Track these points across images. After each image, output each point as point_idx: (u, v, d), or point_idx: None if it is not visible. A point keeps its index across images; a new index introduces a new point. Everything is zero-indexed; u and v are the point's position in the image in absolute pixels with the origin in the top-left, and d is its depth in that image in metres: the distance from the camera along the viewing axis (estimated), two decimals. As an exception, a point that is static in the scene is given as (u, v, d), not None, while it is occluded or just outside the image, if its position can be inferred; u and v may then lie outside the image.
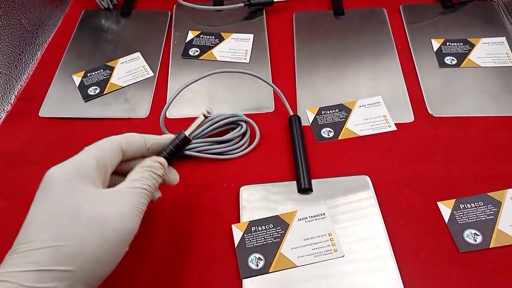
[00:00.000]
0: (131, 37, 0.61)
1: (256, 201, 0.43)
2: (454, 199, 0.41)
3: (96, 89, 0.55)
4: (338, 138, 0.48)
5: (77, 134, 0.51)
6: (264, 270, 0.38)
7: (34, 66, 0.59)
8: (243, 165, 0.47)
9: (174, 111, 0.52)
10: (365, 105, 0.51)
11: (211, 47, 0.59)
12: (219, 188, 0.44)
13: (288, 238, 0.40)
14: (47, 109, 0.53)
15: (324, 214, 0.41)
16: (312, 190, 0.43)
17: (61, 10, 0.67)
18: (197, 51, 0.58)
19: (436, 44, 0.57)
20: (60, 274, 0.27)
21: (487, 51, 0.55)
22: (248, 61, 0.57)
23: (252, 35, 0.60)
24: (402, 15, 0.61)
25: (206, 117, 0.41)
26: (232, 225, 0.41)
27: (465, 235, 0.39)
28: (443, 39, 0.57)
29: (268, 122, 0.50)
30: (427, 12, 0.61)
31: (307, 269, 0.38)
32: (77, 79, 0.56)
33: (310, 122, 0.50)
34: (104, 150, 0.34)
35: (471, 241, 0.39)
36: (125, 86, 0.55)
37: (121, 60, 0.58)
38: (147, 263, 0.39)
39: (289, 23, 0.62)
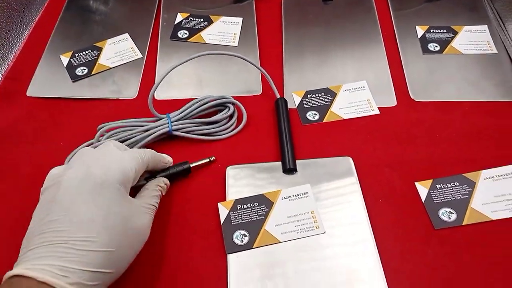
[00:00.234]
0: (119, 18, 0.61)
1: (242, 181, 0.44)
2: (432, 180, 0.43)
3: (84, 69, 0.55)
4: (323, 121, 0.50)
5: (64, 114, 0.51)
6: (248, 246, 0.39)
7: (21, 45, 0.59)
8: (230, 146, 0.48)
9: (162, 93, 0.53)
10: (350, 89, 0.52)
11: (200, 30, 0.59)
12: (206, 168, 0.45)
13: (272, 215, 0.41)
14: (35, 89, 0.53)
15: (307, 193, 0.43)
16: (296, 170, 0.44)
17: (48, -11, 0.66)
18: (186, 33, 0.59)
19: (420, 31, 0.58)
20: (104, 276, 0.31)
21: (469, 38, 0.57)
22: (236, 44, 0.58)
23: (241, 18, 0.60)
24: (388, 2, 0.62)
25: (211, 161, 0.46)
26: (219, 203, 0.42)
27: (440, 213, 0.41)
28: (428, 26, 0.58)
29: (255, 105, 0.51)
30: (413, -1, 0.62)
31: (290, 245, 0.40)
32: (65, 59, 0.56)
33: (296, 105, 0.51)
34: (141, 165, 0.38)
35: (445, 218, 0.41)
36: (113, 67, 0.55)
37: (109, 41, 0.58)
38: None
39: (278, 8, 0.63)
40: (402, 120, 0.49)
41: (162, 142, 0.47)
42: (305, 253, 0.39)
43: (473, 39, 0.56)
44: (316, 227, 0.40)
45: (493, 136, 0.47)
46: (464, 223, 0.40)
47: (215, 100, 0.48)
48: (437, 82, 0.53)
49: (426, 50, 0.56)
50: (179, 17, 0.60)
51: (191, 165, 0.44)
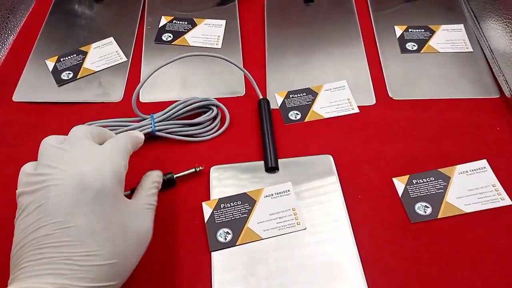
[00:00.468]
0: (104, 22, 0.62)
1: (226, 180, 0.45)
2: (408, 175, 0.45)
3: (70, 73, 0.55)
4: (305, 120, 0.51)
5: (51, 118, 0.52)
6: (231, 243, 0.41)
7: (6, 51, 0.59)
8: (213, 147, 0.49)
9: (147, 96, 0.54)
10: (330, 89, 0.54)
11: (184, 33, 0.60)
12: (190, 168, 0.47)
13: (255, 213, 0.42)
14: (21, 94, 0.54)
15: (288, 190, 0.44)
16: (278, 169, 0.46)
17: (33, -6, 0.67)
18: (170, 36, 0.60)
19: (399, 30, 0.59)
20: (109, 286, 0.30)
21: (446, 37, 0.58)
22: (220, 47, 0.59)
23: (224, 21, 0.61)
24: (368, 2, 0.64)
25: (196, 171, 0.45)
26: (203, 203, 0.43)
27: (416, 207, 0.42)
28: (406, 26, 0.60)
29: (238, 106, 0.52)
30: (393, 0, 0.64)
31: (272, 241, 0.41)
32: (50, 64, 0.57)
33: (279, 105, 0.53)
34: (127, 157, 0.36)
35: (421, 212, 0.42)
36: (98, 71, 0.56)
37: (94, 45, 0.59)
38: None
39: (260, 10, 0.64)
40: (381, 118, 0.50)
41: (145, 143, 0.47)
42: (287, 249, 0.40)
43: (449, 38, 0.58)
44: (297, 224, 0.42)
45: (468, 132, 0.49)
46: (439, 217, 0.42)
47: (199, 102, 0.49)
48: (415, 80, 0.54)
49: (404, 50, 0.57)
50: (163, 20, 0.61)
51: (175, 176, 0.44)
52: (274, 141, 0.47)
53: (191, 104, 0.49)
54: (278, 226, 0.42)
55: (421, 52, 0.57)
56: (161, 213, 0.43)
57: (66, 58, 0.57)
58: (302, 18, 0.62)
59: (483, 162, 0.45)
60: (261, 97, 0.52)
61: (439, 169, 0.45)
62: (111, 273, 0.30)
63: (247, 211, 0.43)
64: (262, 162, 0.46)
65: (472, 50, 0.57)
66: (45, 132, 0.50)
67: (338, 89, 0.54)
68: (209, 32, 0.60)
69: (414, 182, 0.44)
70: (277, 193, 0.44)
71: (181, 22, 0.61)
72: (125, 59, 0.57)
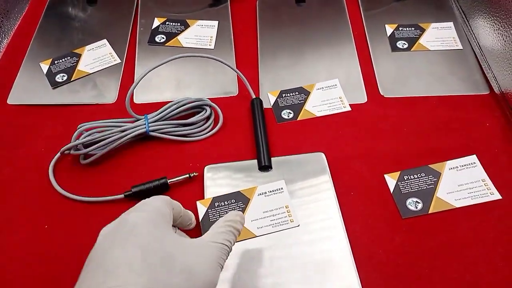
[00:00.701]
0: (97, 25, 0.62)
1: (220, 179, 0.46)
2: (399, 171, 0.45)
3: (64, 76, 0.56)
4: (297, 119, 0.52)
5: (45, 120, 0.52)
6: (226, 241, 0.41)
7: (0, 54, 0.60)
8: (207, 147, 0.49)
9: (141, 96, 0.54)
10: (323, 88, 0.54)
11: (177, 34, 0.60)
12: (184, 168, 0.47)
13: (249, 211, 0.43)
14: (15, 97, 0.54)
15: (282, 188, 0.44)
16: (271, 168, 0.46)
17: (27, -2, 0.67)
18: (163, 37, 0.60)
19: (389, 29, 0.60)
20: None
21: (436, 35, 0.59)
22: (213, 47, 0.59)
23: (217, 22, 0.62)
24: (359, 2, 0.65)
25: (190, 177, 0.45)
26: (197, 202, 0.44)
27: (407, 203, 0.43)
28: (396, 25, 0.60)
29: (232, 106, 0.53)
30: (383, -1, 0.65)
31: (265, 240, 0.41)
32: (44, 66, 0.57)
33: (272, 105, 0.53)
34: (167, 203, 0.34)
35: (412, 208, 0.43)
36: (92, 73, 0.56)
37: (88, 47, 0.59)
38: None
39: (252, 10, 0.64)
40: (372, 116, 0.51)
41: (139, 143, 0.48)
42: (280, 246, 0.41)
43: (439, 35, 0.59)
44: (291, 221, 0.42)
45: (458, 128, 0.49)
46: (430, 212, 0.42)
47: (192, 102, 0.50)
48: (405, 78, 0.55)
49: (395, 48, 0.58)
50: (156, 22, 0.62)
51: (169, 181, 0.45)
52: (267, 140, 0.48)
53: (184, 105, 0.49)
54: (272, 223, 0.42)
55: (411, 50, 0.58)
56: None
57: (60, 60, 0.58)
58: (294, 18, 0.63)
59: (473, 158, 0.46)
60: (254, 96, 0.52)
61: (429, 165, 0.46)
62: None
63: (241, 209, 0.43)
64: (256, 161, 0.47)
65: (461, 48, 0.58)
66: (40, 134, 0.51)
67: (330, 88, 0.54)
68: (202, 33, 0.61)
69: (405, 178, 0.45)
70: (271, 191, 0.44)
71: (174, 24, 0.62)
72: (118, 61, 0.58)
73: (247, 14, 0.64)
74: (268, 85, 0.55)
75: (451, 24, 0.60)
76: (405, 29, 0.60)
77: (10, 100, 0.54)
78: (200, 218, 0.43)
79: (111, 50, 0.59)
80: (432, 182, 0.44)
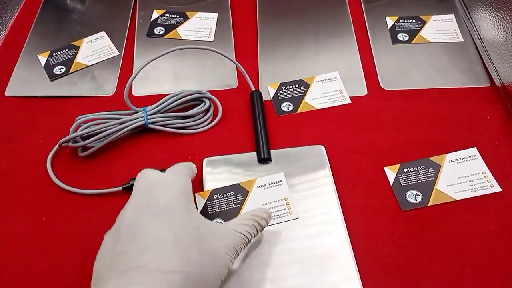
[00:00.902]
0: (96, 17, 0.62)
1: (219, 171, 0.46)
2: (399, 164, 0.45)
3: (62, 68, 0.56)
4: (297, 112, 0.51)
5: (43, 112, 0.52)
6: (225, 233, 0.41)
7: (-2, 46, 0.59)
8: (206, 139, 0.49)
9: (140, 89, 0.54)
10: (322, 80, 0.54)
11: (176, 26, 0.60)
12: (183, 160, 0.46)
13: (248, 204, 0.43)
14: (13, 89, 0.54)
15: (281, 181, 0.44)
16: (271, 160, 0.46)
17: (24, -11, 0.66)
18: (162, 30, 0.60)
19: (390, 21, 0.60)
20: None
21: (437, 27, 0.59)
22: (212, 39, 0.59)
23: (216, 14, 0.61)
24: (360, -7, 0.64)
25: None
26: (196, 194, 0.44)
27: (407, 195, 0.43)
28: (397, 17, 0.60)
29: (231, 98, 0.53)
30: (384, -10, 0.64)
31: (264, 232, 0.41)
32: (42, 59, 0.57)
33: (271, 97, 0.53)
34: (190, 176, 0.37)
35: (412, 200, 0.43)
36: (90, 65, 0.56)
37: (86, 39, 0.59)
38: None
39: (252, 2, 0.64)
40: (372, 109, 0.51)
41: (138, 135, 0.48)
42: (279, 237, 0.41)
43: (440, 28, 0.58)
44: (290, 213, 0.42)
45: (458, 120, 0.49)
46: (429, 204, 0.42)
47: (191, 94, 0.49)
48: (406, 71, 0.55)
49: (395, 40, 0.58)
50: (155, 14, 0.61)
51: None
52: (267, 132, 0.48)
53: (183, 97, 0.49)
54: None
55: (412, 42, 0.57)
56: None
57: (59, 53, 0.57)
58: (294, 10, 0.62)
59: (473, 150, 0.46)
60: (253, 89, 0.52)
61: (429, 158, 0.45)
62: (185, 282, 0.28)
63: (240, 201, 0.43)
64: (255, 153, 0.47)
65: (463, 40, 0.57)
66: (38, 126, 0.51)
67: (330, 80, 0.54)
68: (201, 25, 0.60)
69: (405, 171, 0.45)
70: (270, 184, 0.44)
71: (173, 16, 0.61)
72: (117, 53, 0.57)
73: (247, 6, 0.63)
74: (267, 78, 0.55)
75: (452, 16, 0.60)
76: (406, 21, 0.59)
77: (8, 93, 0.54)
78: (199, 211, 0.42)
79: (109, 42, 0.59)
80: (432, 174, 0.44)
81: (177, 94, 0.49)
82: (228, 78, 0.55)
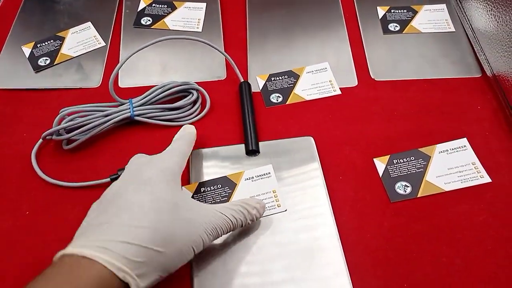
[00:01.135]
0: (81, 7, 0.61)
1: (206, 164, 0.45)
2: (389, 155, 0.45)
3: (47, 59, 0.54)
4: (286, 103, 0.51)
5: (28, 105, 0.51)
6: (212, 226, 0.40)
7: (-19, 37, 0.58)
8: (194, 131, 0.48)
9: (126, 81, 0.53)
10: (312, 71, 0.53)
11: (163, 16, 0.59)
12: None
13: (235, 197, 0.42)
14: (-3, 81, 0.53)
15: (269, 173, 0.44)
16: (259, 152, 0.45)
17: (8, -21, 0.65)
18: (149, 20, 0.58)
19: (381, 11, 0.59)
20: (153, 254, 0.29)
21: (428, 17, 0.58)
22: (200, 30, 0.58)
23: (205, 4, 0.60)
24: (351, -17, 0.63)
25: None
26: (182, 187, 0.43)
27: (396, 187, 0.42)
28: (388, 7, 0.59)
29: (220, 90, 0.52)
30: (375, -20, 0.63)
31: (252, 227, 0.40)
32: (26, 50, 0.55)
33: (260, 88, 0.52)
34: (182, 157, 0.38)
35: (401, 192, 0.42)
36: (76, 56, 0.55)
37: (71, 30, 0.57)
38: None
39: (242, -8, 0.63)
40: (362, 99, 0.50)
41: (123, 128, 0.47)
42: (268, 232, 0.40)
43: (432, 18, 0.58)
44: (278, 206, 0.41)
45: (448, 111, 0.49)
46: (419, 195, 0.42)
47: (178, 86, 0.48)
48: (396, 61, 0.54)
49: (386, 31, 0.57)
50: (142, 4, 0.60)
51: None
52: (255, 124, 0.47)
53: (170, 88, 0.48)
54: None
55: (403, 32, 0.57)
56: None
57: (43, 44, 0.56)
58: (284, 0, 0.61)
59: (463, 141, 0.46)
60: (242, 80, 0.51)
61: (419, 149, 0.45)
62: (153, 237, 0.30)
63: (227, 194, 0.42)
64: (243, 145, 0.46)
65: (454, 30, 0.57)
66: (22, 119, 0.50)
67: (320, 71, 0.53)
68: (189, 15, 0.59)
69: (394, 162, 0.44)
70: (258, 176, 0.44)
71: (160, 6, 0.60)
72: (103, 44, 0.56)
73: (236, -4, 0.62)
74: (257, 69, 0.54)
75: (443, 6, 0.59)
76: (397, 11, 0.59)
77: (-9, 85, 0.52)
78: (186, 204, 0.42)
79: (95, 33, 0.57)
80: (422, 165, 0.44)
81: (163, 86, 0.48)
82: (217, 69, 0.54)
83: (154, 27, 0.58)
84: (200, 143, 0.46)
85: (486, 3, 0.53)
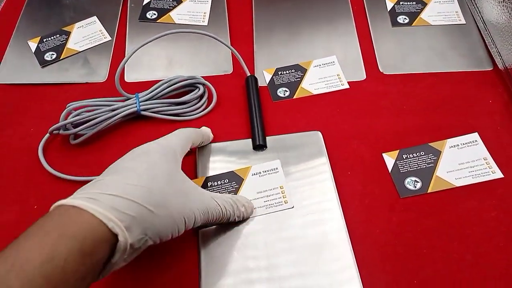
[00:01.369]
0: (87, 1, 0.60)
1: (213, 159, 0.44)
2: (398, 150, 0.44)
3: (53, 54, 0.54)
4: (294, 97, 0.50)
5: (35, 99, 0.51)
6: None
7: (-13, 32, 0.58)
8: (200, 126, 0.48)
9: (132, 75, 0.52)
10: (320, 65, 0.53)
11: (169, 10, 0.58)
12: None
13: (242, 192, 0.42)
14: (3, 76, 0.53)
15: (277, 168, 0.43)
16: (266, 147, 0.45)
17: (14, -26, 0.65)
18: (154, 14, 0.58)
19: (390, 3, 0.58)
20: (144, 211, 0.29)
21: (438, 9, 0.57)
22: (206, 24, 0.57)
23: (211, -3, 0.60)
24: (359, -25, 0.62)
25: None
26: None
27: (406, 182, 0.42)
28: (397, -1, 0.58)
29: (226, 84, 0.51)
30: (384, -28, 0.62)
31: (259, 219, 0.40)
32: (33, 45, 0.55)
33: (267, 83, 0.51)
34: (186, 140, 0.39)
35: (411, 187, 0.42)
36: (82, 51, 0.55)
37: (77, 24, 0.57)
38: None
39: (248, -15, 0.62)
40: (371, 94, 0.49)
41: (130, 123, 0.47)
42: (275, 225, 0.40)
43: (441, 10, 0.57)
44: (285, 202, 0.41)
45: (459, 105, 0.48)
46: (429, 191, 0.41)
47: (185, 80, 0.48)
48: (405, 54, 0.53)
49: (395, 23, 0.56)
50: (148, -2, 0.60)
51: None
52: (262, 119, 0.46)
53: (176, 83, 0.48)
54: (266, 204, 0.41)
55: (412, 25, 0.56)
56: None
57: (49, 38, 0.56)
58: (291, -7, 0.60)
59: (475, 136, 0.45)
60: (248, 74, 0.50)
61: (429, 143, 0.44)
62: (147, 196, 0.29)
63: (234, 189, 0.42)
64: (250, 140, 0.46)
65: (464, 22, 0.56)
66: (29, 113, 0.50)
67: (327, 65, 0.52)
68: (195, 9, 0.58)
69: (404, 157, 0.43)
70: (265, 171, 0.43)
71: (166, -1, 0.59)
72: (109, 38, 0.56)
73: (242, -11, 0.61)
74: (263, 63, 0.53)
75: (454, -3, 0.58)
76: (406, 3, 0.58)
77: (-2, 79, 0.52)
78: (193, 199, 0.41)
79: (101, 27, 0.57)
80: (432, 160, 0.43)
81: (170, 80, 0.48)
82: (223, 64, 0.54)
83: (160, 21, 0.57)
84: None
85: (498, -6, 0.52)
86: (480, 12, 0.55)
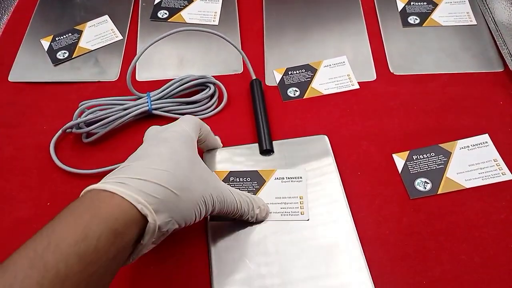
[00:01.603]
0: (99, 0, 0.61)
1: (219, 163, 0.44)
2: (408, 151, 0.44)
3: (65, 53, 0.55)
4: (304, 97, 0.50)
5: (47, 97, 0.51)
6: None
7: (0, 31, 0.58)
8: (211, 125, 0.47)
9: (143, 74, 0.53)
10: (330, 65, 0.53)
11: (180, 9, 0.59)
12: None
13: (262, 193, 0.41)
14: (17, 74, 0.53)
15: (301, 178, 0.42)
16: (273, 151, 0.44)
17: (26, -28, 0.65)
18: (166, 13, 0.58)
19: (401, 4, 0.58)
20: (170, 194, 0.30)
21: (449, 10, 0.57)
22: (217, 23, 0.58)
23: (222, -4, 0.60)
24: (369, -25, 0.62)
25: None
26: (214, 172, 0.42)
27: (416, 183, 0.42)
28: (408, -1, 0.58)
29: (236, 84, 0.52)
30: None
31: (271, 224, 0.40)
32: (45, 43, 0.56)
33: (277, 82, 0.52)
34: (196, 125, 0.39)
35: (421, 188, 0.42)
36: (94, 50, 0.55)
37: (89, 23, 0.58)
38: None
39: (258, -16, 0.62)
40: (381, 94, 0.49)
41: (141, 121, 0.47)
42: (285, 230, 0.39)
43: (453, 10, 0.56)
44: (301, 213, 0.40)
45: (469, 106, 0.48)
46: (439, 192, 0.41)
47: (196, 79, 0.48)
48: (416, 55, 0.53)
49: (406, 23, 0.56)
50: (159, -3, 0.60)
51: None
52: (268, 123, 0.46)
53: (187, 82, 0.48)
54: (282, 211, 0.40)
55: (423, 25, 0.55)
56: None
57: (62, 37, 0.56)
58: (301, -7, 0.60)
59: (485, 137, 0.45)
60: (254, 77, 0.50)
61: (439, 145, 0.44)
62: (173, 180, 0.30)
63: (254, 189, 0.41)
64: (257, 144, 0.45)
65: (476, 23, 0.55)
66: (41, 112, 0.50)
67: (337, 65, 0.52)
68: (205, 8, 0.59)
69: (414, 158, 0.44)
70: (288, 178, 0.42)
71: (177, -1, 0.60)
72: (120, 37, 0.56)
73: (253, -12, 0.62)
74: (274, 62, 0.54)
75: (465, -2, 0.58)
76: (417, 3, 0.58)
77: (11, 78, 0.53)
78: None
79: (112, 26, 0.57)
80: (442, 162, 0.43)
81: (181, 79, 0.48)
82: (233, 63, 0.54)
83: (171, 20, 0.58)
84: (217, 137, 0.46)
85: (510, -5, 0.51)
86: (491, 13, 0.55)
